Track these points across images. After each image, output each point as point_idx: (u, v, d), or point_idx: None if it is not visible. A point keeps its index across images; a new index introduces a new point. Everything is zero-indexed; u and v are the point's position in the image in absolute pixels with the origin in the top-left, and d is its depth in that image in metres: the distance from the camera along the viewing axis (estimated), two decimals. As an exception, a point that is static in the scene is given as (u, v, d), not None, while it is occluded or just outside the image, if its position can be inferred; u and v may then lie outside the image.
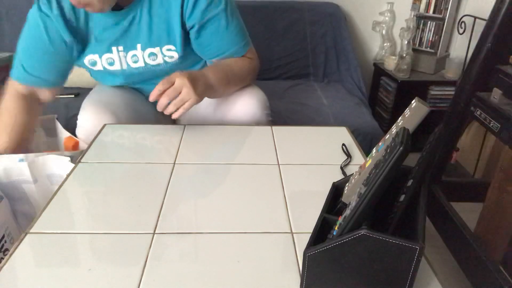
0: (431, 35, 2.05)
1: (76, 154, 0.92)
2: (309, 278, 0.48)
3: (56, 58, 1.00)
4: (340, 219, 0.48)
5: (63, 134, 1.09)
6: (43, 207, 0.65)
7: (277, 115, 1.53)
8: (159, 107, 0.87)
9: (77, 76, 1.70)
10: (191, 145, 0.88)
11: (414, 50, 2.03)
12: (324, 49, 1.97)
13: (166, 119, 1.23)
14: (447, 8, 1.98)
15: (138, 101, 1.13)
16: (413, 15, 1.97)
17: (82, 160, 0.80)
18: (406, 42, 1.96)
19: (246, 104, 1.01)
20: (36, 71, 1.00)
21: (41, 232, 0.60)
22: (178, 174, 0.76)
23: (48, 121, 1.13)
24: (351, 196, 0.51)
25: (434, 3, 2.00)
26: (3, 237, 0.85)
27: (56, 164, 0.91)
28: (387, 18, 2.10)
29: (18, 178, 0.90)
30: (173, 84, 0.86)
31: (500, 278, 1.05)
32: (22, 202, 0.93)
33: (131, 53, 1.01)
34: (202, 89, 0.89)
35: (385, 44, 2.15)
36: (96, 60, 1.02)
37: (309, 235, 0.50)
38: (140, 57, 1.01)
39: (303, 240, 0.58)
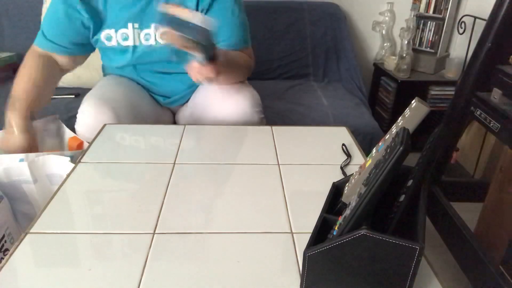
0: (431, 35, 2.05)
1: (76, 154, 0.92)
2: (309, 278, 0.48)
3: (71, 30, 1.06)
4: (340, 219, 0.48)
5: (67, 134, 1.09)
6: (43, 207, 0.65)
7: (277, 115, 1.53)
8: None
9: (77, 77, 1.70)
10: (191, 145, 0.88)
11: (414, 50, 2.02)
12: (324, 49, 1.97)
13: (165, 116, 1.24)
14: (447, 8, 1.98)
15: (139, 99, 1.14)
16: (413, 15, 1.97)
17: (82, 160, 0.80)
18: (406, 42, 1.96)
19: (236, 102, 1.02)
20: (53, 38, 1.07)
21: (41, 232, 0.60)
22: (178, 174, 0.76)
23: (49, 121, 1.13)
24: (351, 196, 0.51)
25: (434, 3, 2.00)
26: (3, 237, 0.85)
27: (56, 164, 0.91)
28: (387, 18, 2.10)
29: (18, 178, 0.90)
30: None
31: (500, 278, 1.05)
32: (22, 202, 0.93)
33: (145, 31, 1.06)
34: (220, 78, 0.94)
35: (385, 44, 2.15)
36: (111, 35, 1.06)
37: (309, 235, 0.50)
38: (152, 35, 1.07)
39: (303, 240, 0.58)
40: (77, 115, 1.02)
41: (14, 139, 0.95)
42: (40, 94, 1.03)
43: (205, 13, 1.04)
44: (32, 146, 0.97)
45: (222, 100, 1.04)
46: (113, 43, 1.08)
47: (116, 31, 1.06)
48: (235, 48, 1.07)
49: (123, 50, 1.10)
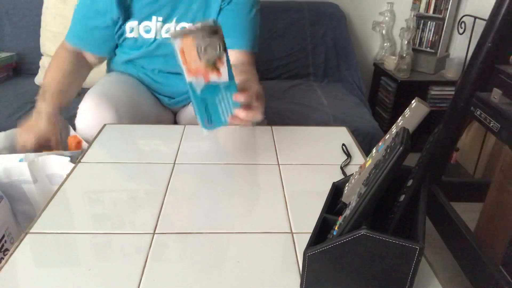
0: (431, 35, 2.05)
1: (76, 154, 0.92)
2: (309, 278, 0.48)
3: (100, 27, 1.08)
4: (340, 219, 0.48)
5: (68, 132, 1.09)
6: (43, 207, 0.65)
7: (277, 115, 1.53)
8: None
9: (77, 76, 1.70)
10: (191, 145, 0.88)
11: (414, 50, 2.03)
12: (324, 49, 1.97)
13: (166, 116, 1.24)
14: (447, 8, 1.98)
15: (140, 97, 1.14)
16: (413, 15, 1.97)
17: (82, 160, 0.80)
18: (406, 42, 1.96)
19: None
20: (84, 35, 1.10)
21: (41, 232, 0.60)
22: (178, 174, 0.76)
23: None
24: (351, 196, 0.51)
25: (434, 3, 2.00)
26: (3, 237, 0.85)
27: (56, 164, 0.91)
28: (387, 18, 2.10)
29: (18, 178, 0.90)
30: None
31: (500, 278, 1.05)
32: (22, 202, 0.93)
33: (167, 25, 1.08)
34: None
35: (385, 44, 2.15)
36: (134, 26, 1.08)
37: (309, 235, 0.50)
38: (172, 29, 1.08)
39: (303, 240, 0.58)
40: (78, 111, 1.02)
41: (39, 127, 0.97)
42: (70, 86, 1.06)
43: (226, 5, 1.06)
44: (54, 139, 0.98)
45: None
46: (134, 34, 1.09)
47: (139, 23, 1.07)
48: (244, 49, 1.07)
49: (142, 42, 1.11)
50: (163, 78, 1.18)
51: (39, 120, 0.98)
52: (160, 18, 1.07)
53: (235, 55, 1.06)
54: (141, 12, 1.06)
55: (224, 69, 0.71)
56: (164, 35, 1.09)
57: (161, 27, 1.08)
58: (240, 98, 0.76)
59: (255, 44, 1.11)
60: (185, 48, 0.68)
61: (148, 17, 1.07)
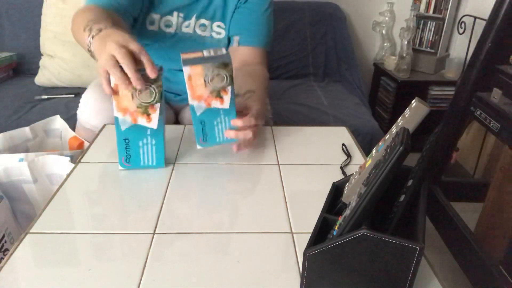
0: (431, 35, 2.05)
1: (76, 154, 0.92)
2: (309, 278, 0.48)
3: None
4: (340, 219, 0.48)
5: (68, 133, 1.09)
6: (43, 207, 0.65)
7: (277, 115, 1.53)
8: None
9: (77, 76, 1.70)
10: (191, 145, 0.88)
11: (414, 50, 2.02)
12: (324, 49, 1.97)
13: (167, 113, 1.24)
14: (447, 8, 1.98)
15: None
16: (413, 15, 1.97)
17: (82, 160, 0.80)
18: (406, 42, 1.96)
19: None
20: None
21: (41, 232, 0.60)
22: (178, 174, 0.76)
23: (50, 122, 1.13)
24: (351, 196, 0.51)
25: (434, 3, 2.00)
26: (3, 237, 0.85)
27: (56, 164, 0.91)
28: (387, 18, 2.10)
29: (18, 178, 0.90)
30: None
31: (500, 278, 1.05)
32: (22, 202, 0.93)
33: (187, 22, 1.09)
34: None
35: (385, 44, 2.15)
36: (155, 19, 1.08)
37: (309, 235, 0.50)
38: (192, 25, 1.09)
39: (303, 240, 0.58)
40: (80, 101, 1.02)
41: (112, 34, 0.73)
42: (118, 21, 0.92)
43: (243, 4, 1.07)
44: (130, 37, 0.74)
45: None
46: (155, 27, 1.10)
47: (161, 17, 1.08)
48: (258, 46, 1.09)
49: (162, 35, 1.11)
50: (173, 75, 1.18)
51: (111, 33, 0.74)
52: (182, 15, 1.08)
53: (247, 51, 1.08)
54: (164, 6, 1.07)
55: (227, 98, 0.75)
56: (184, 29, 1.10)
57: (182, 23, 1.09)
58: (238, 123, 0.77)
59: (268, 43, 1.11)
60: (193, 75, 0.71)
61: (169, 12, 1.08)
